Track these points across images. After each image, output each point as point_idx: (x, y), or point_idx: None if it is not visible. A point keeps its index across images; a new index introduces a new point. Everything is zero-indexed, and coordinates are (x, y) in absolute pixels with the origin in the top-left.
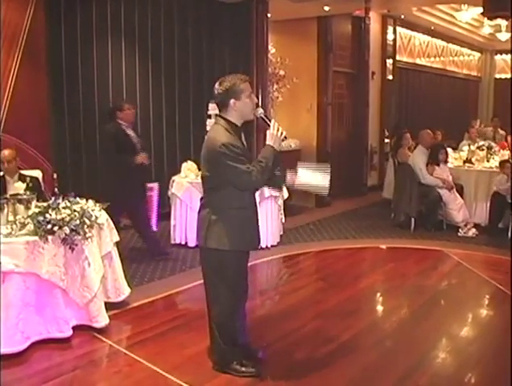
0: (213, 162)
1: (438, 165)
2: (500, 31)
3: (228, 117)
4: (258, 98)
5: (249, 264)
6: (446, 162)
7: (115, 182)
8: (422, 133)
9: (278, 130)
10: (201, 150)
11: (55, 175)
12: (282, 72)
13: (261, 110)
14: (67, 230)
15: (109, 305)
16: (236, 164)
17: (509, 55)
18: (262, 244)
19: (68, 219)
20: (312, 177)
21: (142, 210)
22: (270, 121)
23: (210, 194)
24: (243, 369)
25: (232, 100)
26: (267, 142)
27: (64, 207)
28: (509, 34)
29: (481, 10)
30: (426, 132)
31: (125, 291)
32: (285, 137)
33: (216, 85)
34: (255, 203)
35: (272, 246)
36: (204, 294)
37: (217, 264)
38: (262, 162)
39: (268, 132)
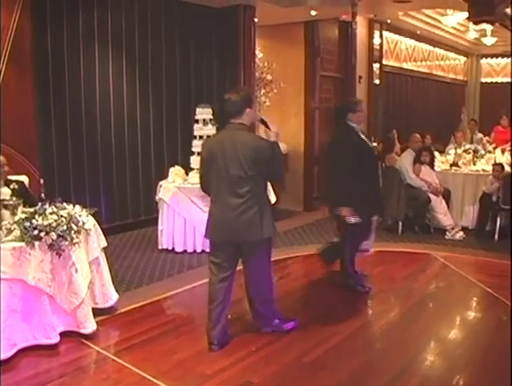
0: (264, 161)
1: (422, 164)
2: (485, 36)
3: (244, 122)
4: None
5: (236, 269)
6: (433, 165)
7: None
8: (412, 137)
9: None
10: (223, 156)
11: (41, 181)
12: (269, 77)
13: (259, 114)
14: (54, 236)
15: (96, 311)
16: (279, 159)
17: (494, 59)
18: None
19: (54, 224)
20: None
21: (366, 231)
22: (267, 122)
23: (252, 192)
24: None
25: (248, 108)
26: (272, 140)
27: (50, 213)
28: (494, 39)
29: (466, 14)
30: (414, 135)
31: (113, 297)
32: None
33: (230, 95)
34: None
35: None
36: (191, 300)
37: (267, 250)
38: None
39: (269, 132)
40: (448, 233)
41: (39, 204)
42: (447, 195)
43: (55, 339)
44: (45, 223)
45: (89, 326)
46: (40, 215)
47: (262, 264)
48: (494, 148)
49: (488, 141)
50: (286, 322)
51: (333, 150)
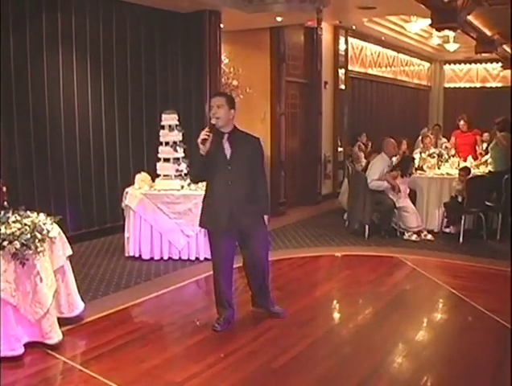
0: None
1: (405, 176)
2: (448, 42)
3: None
4: (210, 108)
5: (203, 275)
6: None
7: None
8: (386, 142)
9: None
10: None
11: (4, 188)
12: (235, 82)
13: (214, 120)
14: (17, 245)
15: (62, 321)
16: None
17: (456, 65)
18: None
19: (18, 233)
20: None
21: None
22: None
23: None
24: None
25: None
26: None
27: (14, 221)
28: (456, 45)
29: (429, 21)
30: (390, 141)
31: (79, 306)
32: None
33: None
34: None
35: None
36: (159, 307)
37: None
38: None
39: None
40: (414, 236)
41: (2, 212)
42: (413, 197)
43: (20, 351)
44: (8, 231)
45: (55, 336)
46: (3, 223)
47: None
48: (458, 153)
49: (447, 147)
50: None
51: None
